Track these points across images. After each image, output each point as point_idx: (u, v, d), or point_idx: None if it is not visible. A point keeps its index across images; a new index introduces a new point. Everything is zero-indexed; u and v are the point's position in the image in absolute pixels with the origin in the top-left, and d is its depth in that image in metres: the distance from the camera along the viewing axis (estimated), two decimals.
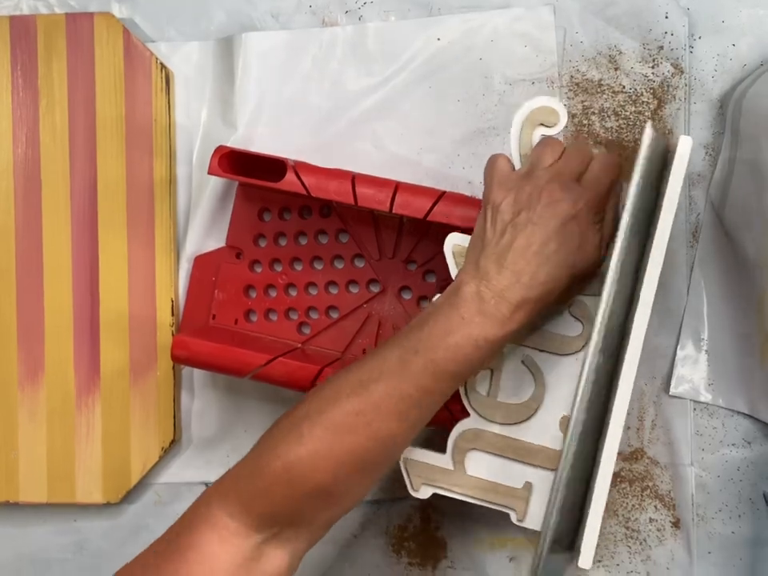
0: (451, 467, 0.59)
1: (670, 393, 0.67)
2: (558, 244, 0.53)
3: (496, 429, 0.59)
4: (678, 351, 0.67)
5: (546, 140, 0.58)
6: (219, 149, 0.65)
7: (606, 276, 0.53)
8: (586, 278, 0.57)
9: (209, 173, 0.65)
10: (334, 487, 0.53)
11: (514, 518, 0.59)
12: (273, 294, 0.70)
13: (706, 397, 0.67)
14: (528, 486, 0.58)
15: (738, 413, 0.67)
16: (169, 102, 0.70)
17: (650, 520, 0.68)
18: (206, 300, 0.70)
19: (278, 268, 0.70)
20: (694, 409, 0.67)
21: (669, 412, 0.68)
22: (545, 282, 0.53)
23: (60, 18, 0.69)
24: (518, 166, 0.59)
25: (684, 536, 0.68)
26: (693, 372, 0.67)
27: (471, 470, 0.59)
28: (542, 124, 0.59)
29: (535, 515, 0.58)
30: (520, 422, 0.59)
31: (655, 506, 0.68)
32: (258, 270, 0.70)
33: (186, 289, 0.71)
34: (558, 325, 0.59)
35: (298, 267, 0.70)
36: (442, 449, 0.60)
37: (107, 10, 0.71)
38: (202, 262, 0.70)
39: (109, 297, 0.70)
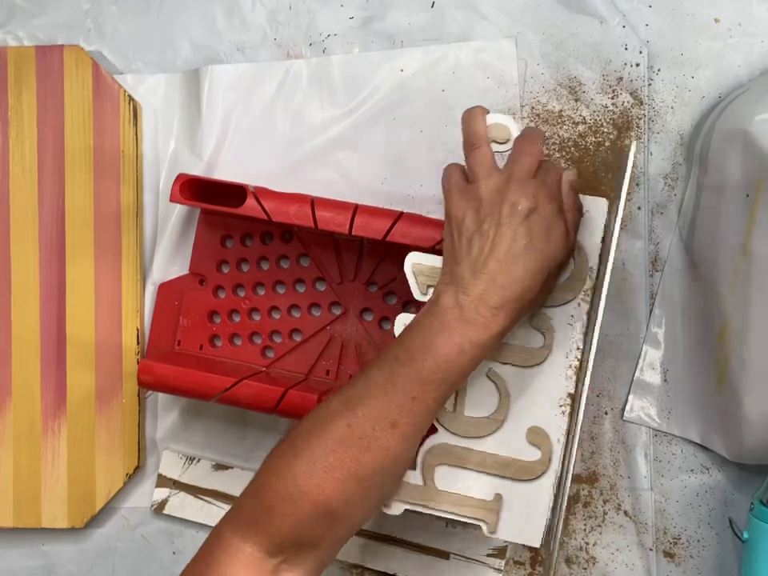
0: (421, 483, 0.60)
1: (624, 418, 0.68)
2: (527, 240, 0.54)
3: (464, 443, 0.59)
4: (635, 378, 0.68)
5: (472, 141, 0.58)
6: (180, 176, 0.66)
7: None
8: (560, 267, 0.58)
9: (170, 200, 0.66)
10: (334, 504, 0.53)
11: (485, 530, 0.59)
12: (236, 318, 0.71)
13: (659, 424, 0.68)
14: (498, 498, 0.59)
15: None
16: (136, 134, 0.71)
17: (610, 544, 0.69)
18: (171, 326, 0.71)
19: (241, 293, 0.71)
20: (655, 435, 0.68)
21: (628, 437, 0.68)
22: (521, 279, 0.54)
23: (30, 51, 0.71)
24: None
25: (644, 560, 0.69)
26: (648, 399, 0.68)
27: (441, 485, 0.59)
28: (494, 141, 0.59)
29: (506, 527, 0.59)
30: (487, 435, 0.59)
31: (614, 530, 0.69)
32: (222, 295, 0.71)
33: (152, 316, 0.72)
34: (520, 337, 0.59)
35: (261, 292, 0.71)
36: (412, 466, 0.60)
37: (75, 43, 0.72)
38: (166, 289, 0.71)
39: (75, 324, 0.71)
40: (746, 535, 0.62)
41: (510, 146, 0.59)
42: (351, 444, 0.53)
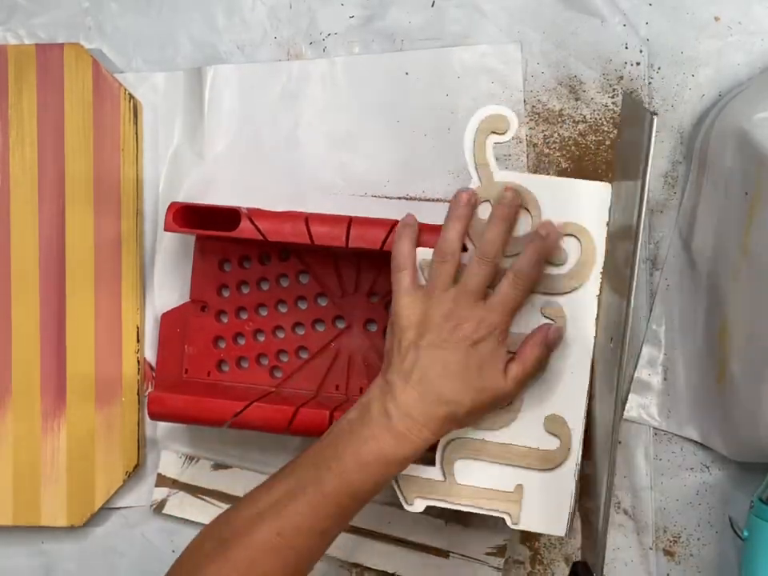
0: (442, 478, 0.60)
1: (624, 417, 0.68)
2: (461, 367, 0.56)
3: (481, 435, 0.60)
4: (635, 376, 0.68)
5: (442, 252, 0.58)
6: (173, 205, 0.66)
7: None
8: (495, 401, 0.58)
9: (165, 229, 0.65)
10: None
11: (509, 521, 0.59)
12: (242, 342, 0.71)
13: (659, 423, 0.68)
14: (519, 488, 0.59)
15: None
16: (137, 132, 0.71)
17: (610, 542, 0.69)
18: (177, 355, 0.71)
19: (244, 316, 0.71)
20: (655, 433, 0.68)
21: (628, 436, 0.68)
22: (449, 402, 0.56)
23: (30, 49, 0.71)
24: (474, 178, 0.59)
25: (644, 559, 0.69)
26: (648, 397, 0.68)
27: (461, 479, 0.60)
28: (493, 132, 0.59)
29: (529, 517, 0.59)
30: (504, 426, 0.60)
31: (614, 529, 0.69)
32: (225, 320, 0.71)
33: (150, 320, 0.72)
34: (529, 323, 0.59)
35: (264, 313, 0.71)
36: (431, 461, 0.60)
37: (75, 41, 0.72)
38: (168, 319, 0.70)
39: (75, 322, 0.71)
40: (745, 533, 0.62)
41: (509, 135, 0.59)
42: (281, 552, 0.54)
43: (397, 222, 0.63)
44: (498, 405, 0.59)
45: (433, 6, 0.70)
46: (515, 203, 0.58)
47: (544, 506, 0.59)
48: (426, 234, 0.62)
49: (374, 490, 0.56)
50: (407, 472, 0.59)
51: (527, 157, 0.69)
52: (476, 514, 0.69)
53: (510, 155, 0.69)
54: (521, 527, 0.59)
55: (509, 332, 0.58)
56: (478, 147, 0.60)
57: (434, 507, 0.69)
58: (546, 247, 0.58)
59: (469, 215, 0.58)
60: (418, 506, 0.60)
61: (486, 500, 0.60)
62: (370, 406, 0.56)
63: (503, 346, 0.57)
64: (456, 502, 0.60)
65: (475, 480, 0.60)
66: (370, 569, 0.71)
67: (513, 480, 0.59)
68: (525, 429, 0.59)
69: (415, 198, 0.70)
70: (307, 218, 0.64)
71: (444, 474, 0.60)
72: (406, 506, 0.60)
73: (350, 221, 0.64)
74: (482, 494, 0.60)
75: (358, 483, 0.55)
